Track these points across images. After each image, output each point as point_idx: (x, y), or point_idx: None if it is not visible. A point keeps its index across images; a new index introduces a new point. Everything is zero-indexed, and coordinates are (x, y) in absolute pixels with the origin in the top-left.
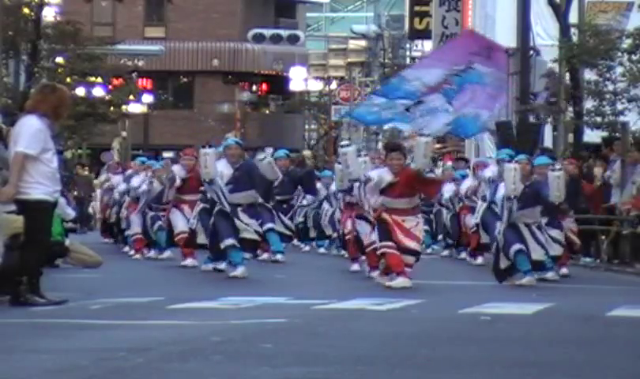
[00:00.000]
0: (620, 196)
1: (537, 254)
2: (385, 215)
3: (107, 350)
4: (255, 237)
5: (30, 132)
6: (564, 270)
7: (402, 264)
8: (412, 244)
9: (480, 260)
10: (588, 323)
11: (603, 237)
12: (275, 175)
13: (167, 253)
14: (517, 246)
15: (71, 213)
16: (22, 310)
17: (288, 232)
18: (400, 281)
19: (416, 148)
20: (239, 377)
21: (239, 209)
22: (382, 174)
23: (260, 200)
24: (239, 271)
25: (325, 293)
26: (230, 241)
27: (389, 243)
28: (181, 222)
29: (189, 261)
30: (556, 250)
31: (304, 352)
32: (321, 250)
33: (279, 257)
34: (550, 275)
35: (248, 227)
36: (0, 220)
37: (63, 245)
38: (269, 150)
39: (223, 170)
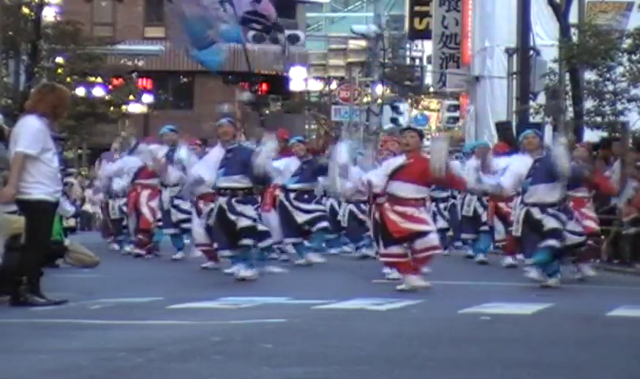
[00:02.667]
0: (620, 195)
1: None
2: (387, 210)
3: (107, 350)
4: (251, 224)
5: (30, 132)
6: (588, 270)
7: (410, 264)
8: (419, 226)
9: (509, 260)
10: (588, 323)
11: (603, 237)
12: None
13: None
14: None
15: (70, 210)
16: (22, 310)
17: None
18: (413, 279)
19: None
20: (238, 377)
21: (234, 200)
22: (390, 161)
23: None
24: (249, 272)
25: (325, 293)
26: (226, 252)
27: (394, 250)
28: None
29: (210, 263)
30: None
31: (304, 352)
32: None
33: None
34: (552, 281)
35: (243, 217)
36: (0, 221)
37: (62, 244)
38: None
39: (216, 155)
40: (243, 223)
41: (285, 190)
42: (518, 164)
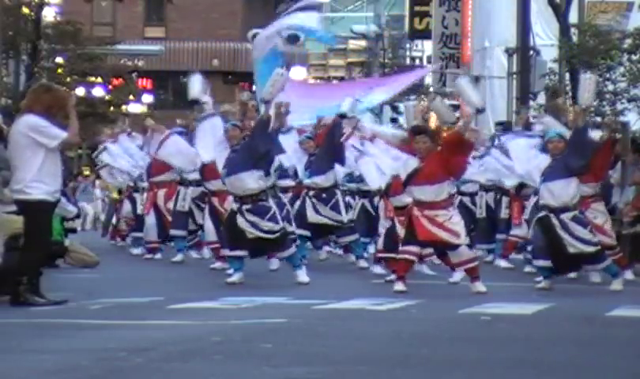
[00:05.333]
0: (621, 196)
1: (575, 248)
2: (417, 215)
3: (107, 350)
4: (268, 236)
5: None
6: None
7: (406, 269)
8: (449, 237)
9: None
10: (588, 323)
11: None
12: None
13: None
14: (541, 262)
15: (73, 210)
16: (22, 310)
17: (334, 223)
18: (398, 286)
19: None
20: (239, 377)
21: (245, 208)
22: (407, 163)
23: (267, 183)
24: (235, 277)
25: (325, 293)
26: (228, 252)
27: (413, 248)
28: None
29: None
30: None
31: (304, 352)
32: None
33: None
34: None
35: (258, 226)
36: (0, 220)
37: (62, 244)
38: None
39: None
40: (258, 233)
41: (307, 189)
42: (540, 159)
